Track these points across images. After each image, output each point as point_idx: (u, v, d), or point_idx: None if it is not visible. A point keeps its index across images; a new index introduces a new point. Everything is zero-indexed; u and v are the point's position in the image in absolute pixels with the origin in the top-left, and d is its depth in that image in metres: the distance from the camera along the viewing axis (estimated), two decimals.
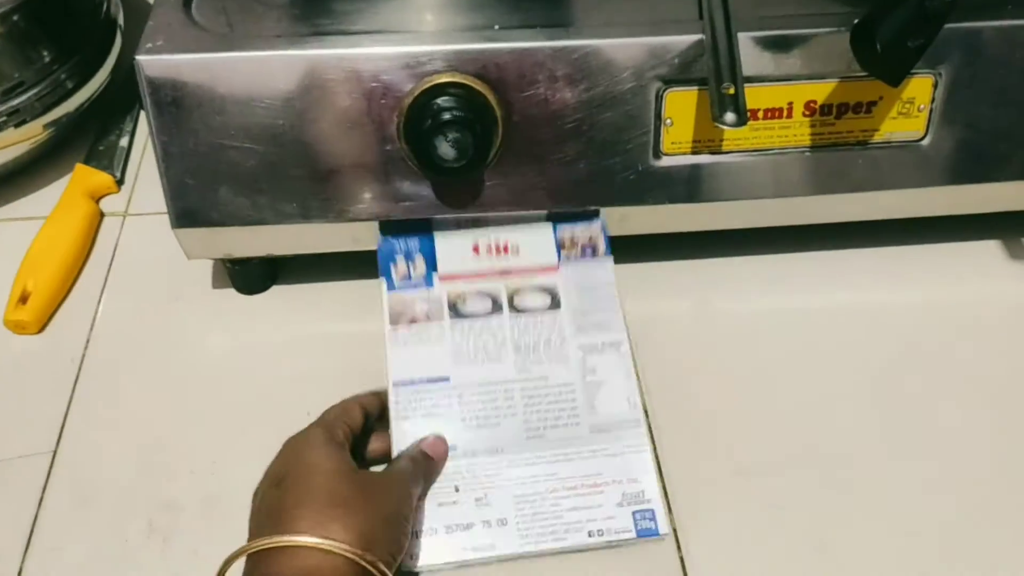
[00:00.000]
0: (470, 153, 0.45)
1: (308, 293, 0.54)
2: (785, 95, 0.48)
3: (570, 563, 0.43)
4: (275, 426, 0.47)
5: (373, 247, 0.51)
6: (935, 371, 0.51)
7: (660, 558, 0.43)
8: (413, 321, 0.47)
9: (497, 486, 0.43)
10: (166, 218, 0.48)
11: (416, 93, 0.45)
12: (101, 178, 0.60)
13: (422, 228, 0.50)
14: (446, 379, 0.46)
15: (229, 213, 0.48)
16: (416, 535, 0.42)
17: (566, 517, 0.42)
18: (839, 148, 0.50)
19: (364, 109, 0.46)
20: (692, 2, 0.47)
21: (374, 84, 0.45)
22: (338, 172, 0.47)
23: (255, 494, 0.40)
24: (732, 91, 0.41)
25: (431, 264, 0.49)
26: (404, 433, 0.45)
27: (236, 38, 0.46)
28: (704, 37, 0.45)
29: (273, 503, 0.38)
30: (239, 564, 0.37)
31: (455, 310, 0.48)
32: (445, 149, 0.45)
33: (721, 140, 0.49)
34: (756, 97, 0.47)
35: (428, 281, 0.48)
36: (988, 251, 0.57)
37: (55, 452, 0.46)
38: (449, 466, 0.44)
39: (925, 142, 0.50)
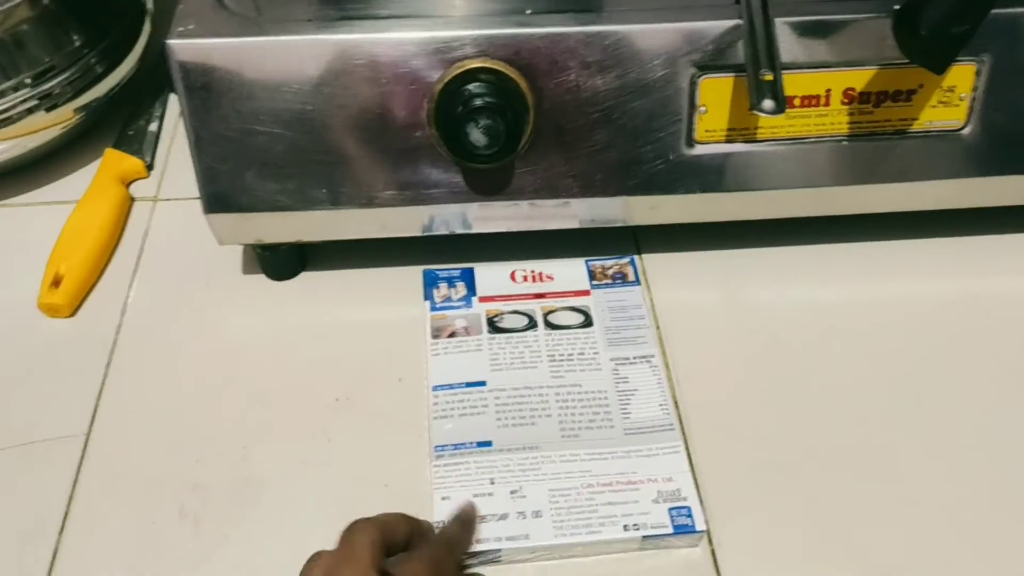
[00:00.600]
0: (502, 140, 0.44)
1: (338, 280, 0.54)
2: (823, 82, 0.47)
3: (603, 557, 0.42)
4: (304, 412, 0.48)
5: (402, 234, 0.51)
6: (973, 365, 0.50)
7: (692, 553, 0.43)
8: (453, 335, 0.50)
9: (532, 480, 0.43)
10: (196, 203, 0.49)
11: (447, 79, 0.45)
12: (131, 163, 0.61)
13: (463, 259, 0.53)
14: (483, 383, 0.47)
15: (259, 198, 0.48)
16: None
17: (601, 511, 0.42)
18: (877, 137, 0.49)
19: (394, 95, 0.45)
20: None
21: (404, 70, 0.45)
22: (367, 158, 0.47)
23: None
24: (770, 77, 0.40)
25: (471, 289, 0.52)
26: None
27: (266, 22, 0.45)
28: (741, 22, 0.44)
29: None
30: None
31: (493, 325, 0.50)
32: (476, 136, 0.44)
33: (756, 128, 0.48)
34: (793, 84, 0.47)
35: (468, 302, 0.51)
36: None
37: (88, 435, 0.47)
38: (484, 461, 0.44)
39: (965, 131, 0.49)
